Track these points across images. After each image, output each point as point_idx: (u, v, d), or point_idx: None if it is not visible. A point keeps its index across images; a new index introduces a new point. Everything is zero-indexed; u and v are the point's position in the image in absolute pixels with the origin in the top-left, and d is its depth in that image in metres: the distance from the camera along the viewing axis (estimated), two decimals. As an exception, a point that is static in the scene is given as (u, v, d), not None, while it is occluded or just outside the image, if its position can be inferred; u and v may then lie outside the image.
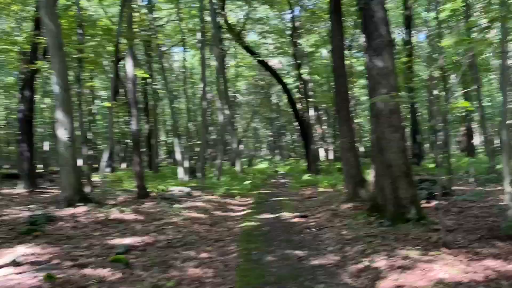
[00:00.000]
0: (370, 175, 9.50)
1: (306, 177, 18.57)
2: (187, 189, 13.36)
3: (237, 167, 24.81)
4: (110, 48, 13.80)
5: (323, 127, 35.36)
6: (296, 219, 8.95)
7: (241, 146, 55.77)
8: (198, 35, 19.86)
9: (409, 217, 7.25)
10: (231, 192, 13.77)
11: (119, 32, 10.05)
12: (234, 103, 41.82)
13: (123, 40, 11.45)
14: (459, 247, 6.02)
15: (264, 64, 23.75)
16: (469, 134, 32.83)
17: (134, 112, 12.12)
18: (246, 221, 9.03)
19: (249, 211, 10.74)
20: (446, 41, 5.51)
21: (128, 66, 12.01)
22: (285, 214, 9.54)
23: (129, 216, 8.76)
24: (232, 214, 10.48)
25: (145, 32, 19.61)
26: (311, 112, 26.92)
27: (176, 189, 13.90)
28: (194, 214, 9.46)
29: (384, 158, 7.54)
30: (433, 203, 9.17)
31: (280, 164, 39.30)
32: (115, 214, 8.79)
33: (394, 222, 7.24)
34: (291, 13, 22.54)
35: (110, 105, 11.19)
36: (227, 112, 25.49)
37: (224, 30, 24.53)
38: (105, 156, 10.24)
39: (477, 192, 7.36)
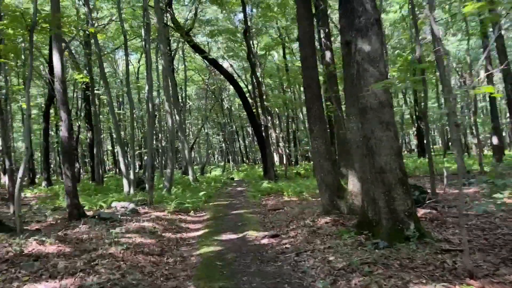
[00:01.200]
0: (349, 183, 8.01)
1: (265, 184, 16.97)
2: (131, 205, 11.29)
3: (190, 176, 22.82)
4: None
5: (276, 131, 34.10)
6: (265, 240, 7.24)
7: (193, 153, 53.52)
8: (144, 34, 17.79)
9: (408, 235, 5.78)
10: (184, 207, 11.84)
11: (35, 14, 7.88)
12: (184, 109, 39.60)
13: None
14: (485, 275, 4.59)
15: (215, 64, 21.97)
16: (420, 134, 32.81)
17: (64, 116, 9.92)
18: (204, 246, 7.21)
19: (207, 230, 8.91)
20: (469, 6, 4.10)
21: (55, 60, 9.82)
22: (251, 234, 7.81)
23: (51, 247, 6.66)
24: (186, 235, 8.61)
25: (81, 27, 17.23)
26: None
27: (119, 205, 11.78)
28: (139, 239, 7.51)
29: (375, 162, 6.02)
30: (421, 212, 7.83)
31: (234, 170, 37.57)
32: (32, 246, 6.66)
33: (391, 241, 5.75)
34: (242, 11, 20.95)
35: (25, 106, 8.95)
36: (176, 117, 23.48)
37: (171, 28, 22.54)
38: (21, 169, 7.98)
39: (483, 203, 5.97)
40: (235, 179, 27.72)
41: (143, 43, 16.68)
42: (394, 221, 5.88)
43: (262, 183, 18.94)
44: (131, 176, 15.58)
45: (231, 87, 43.29)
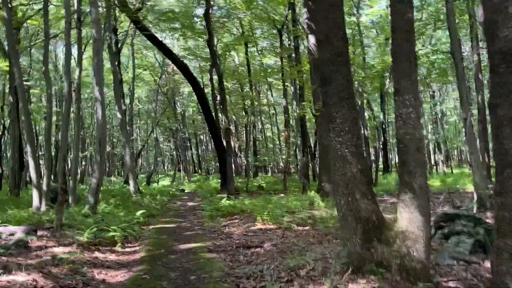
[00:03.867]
0: (401, 215, 4.29)
1: (225, 201, 12.94)
2: (19, 234, 6.92)
3: (131, 187, 18.36)
4: None
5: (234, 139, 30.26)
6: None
7: (140, 161, 48.25)
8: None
9: None
10: (107, 236, 7.57)
11: None
12: (132, 110, 34.75)
13: None
14: None
15: (169, 55, 17.84)
16: (385, 150, 30.27)
17: None
18: None
19: (134, 290, 4.84)
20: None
21: None
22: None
23: None
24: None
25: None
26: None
27: (6, 231, 7.42)
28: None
29: None
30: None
31: (185, 181, 33.13)
32: None
33: None
34: (206, 5, 16.73)
35: None
36: (119, 115, 19.02)
37: (117, 8, 18.19)
38: None
39: None
40: (186, 191, 23.47)
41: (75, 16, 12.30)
42: None
43: (220, 198, 14.94)
44: (44, 186, 11.04)
45: (186, 90, 39.14)
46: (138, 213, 10.41)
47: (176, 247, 7.29)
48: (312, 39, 11.72)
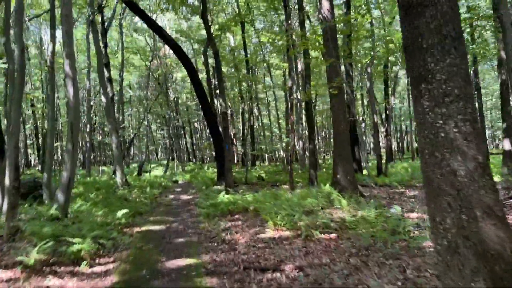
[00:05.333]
0: None
1: (223, 196, 10.97)
2: None
3: (117, 178, 16.29)
4: None
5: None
6: None
7: (132, 150, 46.01)
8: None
9: None
10: (70, 250, 5.55)
11: None
12: (122, 97, 32.45)
13: None
14: None
15: (160, 32, 15.64)
16: (389, 137, 28.41)
17: None
18: None
19: None
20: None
21: None
22: None
23: None
24: None
25: None
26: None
27: None
28: None
29: None
30: None
31: (179, 170, 31.07)
32: None
33: None
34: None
35: None
36: (103, 99, 16.84)
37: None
38: None
39: None
40: (179, 182, 21.46)
41: None
42: None
43: (217, 191, 12.98)
44: (6, 180, 8.96)
45: (178, 76, 36.84)
46: (120, 213, 8.38)
47: (163, 265, 5.32)
48: (326, 4, 9.65)
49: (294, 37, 11.50)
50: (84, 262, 5.32)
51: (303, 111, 16.81)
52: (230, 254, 5.64)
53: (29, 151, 40.82)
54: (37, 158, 38.94)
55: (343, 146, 9.82)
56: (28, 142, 38.39)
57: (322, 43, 9.64)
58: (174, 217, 9.82)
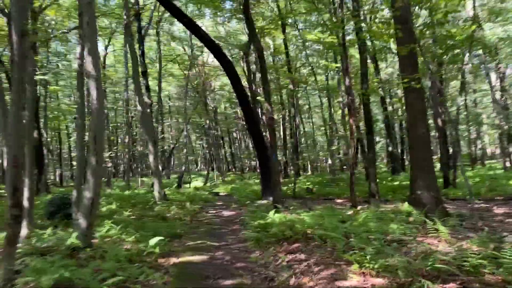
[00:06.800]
0: None
1: (273, 215, 9.09)
2: None
3: (155, 192, 14.85)
4: None
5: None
6: None
7: (172, 160, 45.17)
8: None
9: None
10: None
11: None
12: (161, 108, 31.56)
13: None
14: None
15: (194, 28, 14.15)
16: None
17: None
18: None
19: None
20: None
21: None
22: None
23: None
24: None
25: None
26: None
27: None
28: None
29: None
30: None
31: (219, 180, 29.55)
32: None
33: None
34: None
35: None
36: (139, 107, 15.54)
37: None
38: None
39: None
40: (220, 194, 19.85)
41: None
42: None
43: (264, 207, 11.17)
44: (25, 201, 7.57)
45: (217, 84, 35.60)
46: (153, 241, 6.71)
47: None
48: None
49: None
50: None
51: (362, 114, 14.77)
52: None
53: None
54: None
55: (424, 154, 7.74)
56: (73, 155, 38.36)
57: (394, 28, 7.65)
58: (217, 241, 8.08)
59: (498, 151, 41.84)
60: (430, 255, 4.64)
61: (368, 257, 4.57)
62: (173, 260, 6.62)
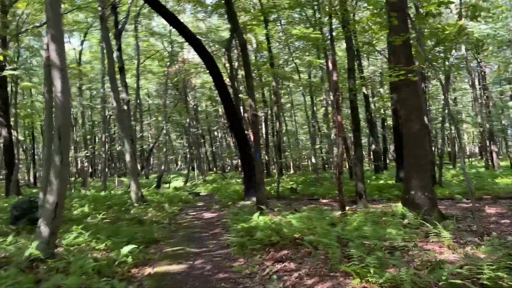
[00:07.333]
0: None
1: (257, 217, 8.49)
2: None
3: (132, 193, 14.00)
4: None
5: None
6: None
7: (152, 160, 43.98)
8: None
9: None
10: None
11: None
12: (140, 105, 30.49)
13: None
14: None
15: (177, 25, 13.41)
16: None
17: None
18: None
19: None
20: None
21: None
22: None
23: None
24: None
25: None
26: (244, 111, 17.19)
27: None
28: None
29: None
30: None
31: (199, 180, 28.73)
32: None
33: None
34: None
35: None
36: (114, 103, 14.65)
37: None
38: None
39: None
40: (201, 194, 19.09)
41: None
42: None
43: (247, 209, 10.56)
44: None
45: (198, 82, 34.68)
46: (125, 249, 5.98)
47: None
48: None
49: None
50: None
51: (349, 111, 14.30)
52: None
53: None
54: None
55: (418, 153, 7.26)
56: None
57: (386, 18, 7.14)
58: (198, 247, 7.41)
59: (477, 149, 42.42)
60: (438, 265, 4.11)
61: (371, 270, 3.99)
62: (148, 270, 5.93)
